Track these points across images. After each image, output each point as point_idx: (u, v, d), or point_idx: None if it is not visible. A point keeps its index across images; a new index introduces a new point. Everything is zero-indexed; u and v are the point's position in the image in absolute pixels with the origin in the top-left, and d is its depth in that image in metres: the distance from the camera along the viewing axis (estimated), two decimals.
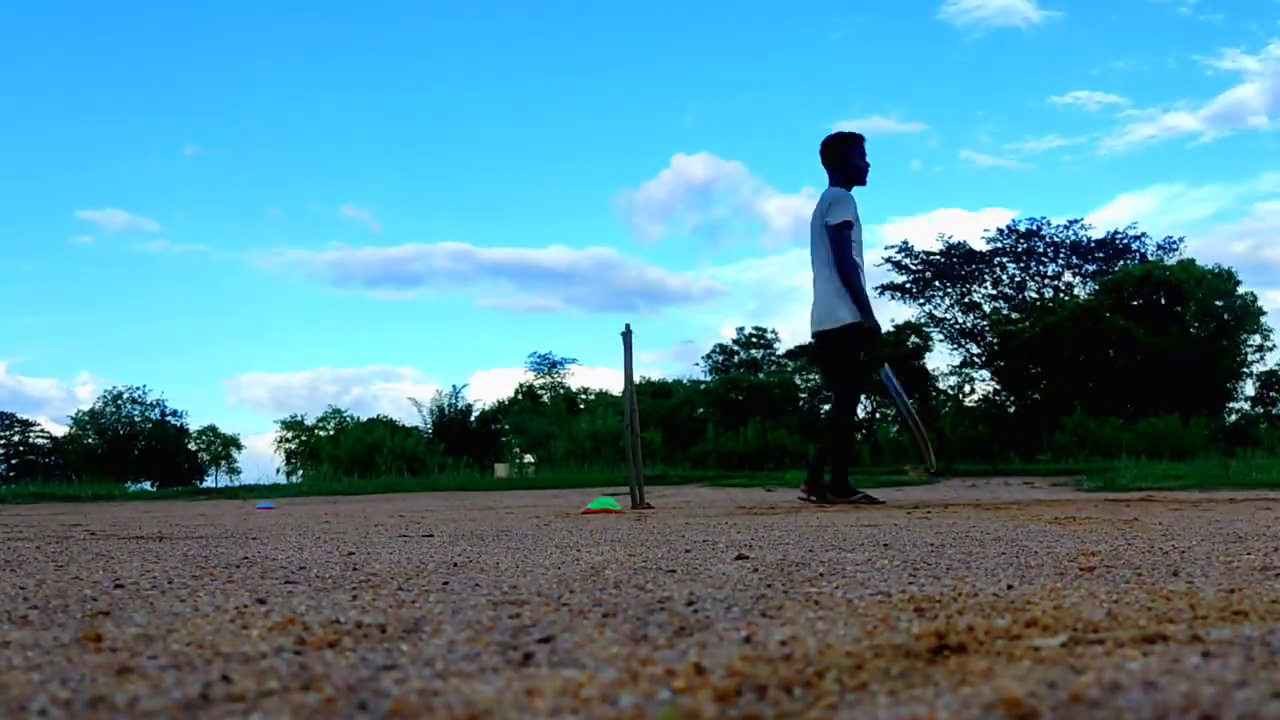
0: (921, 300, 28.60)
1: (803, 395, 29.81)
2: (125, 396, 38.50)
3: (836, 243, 5.06)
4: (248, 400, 55.17)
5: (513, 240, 53.42)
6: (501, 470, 19.65)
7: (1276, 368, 26.08)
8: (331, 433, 36.27)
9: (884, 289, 28.11)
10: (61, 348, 52.62)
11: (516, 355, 53.62)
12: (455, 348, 50.90)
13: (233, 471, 42.84)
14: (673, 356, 50.59)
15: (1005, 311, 28.25)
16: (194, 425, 41.34)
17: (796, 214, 44.33)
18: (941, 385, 28.56)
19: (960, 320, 28.71)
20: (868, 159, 5.34)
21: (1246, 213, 42.57)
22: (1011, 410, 26.62)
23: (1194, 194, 43.68)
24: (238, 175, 47.43)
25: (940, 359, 31.48)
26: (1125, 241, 28.53)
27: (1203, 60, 40.67)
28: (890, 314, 29.45)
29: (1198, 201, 43.19)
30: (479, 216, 50.27)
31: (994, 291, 29.11)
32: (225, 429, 44.92)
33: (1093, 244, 28.60)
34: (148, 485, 30.77)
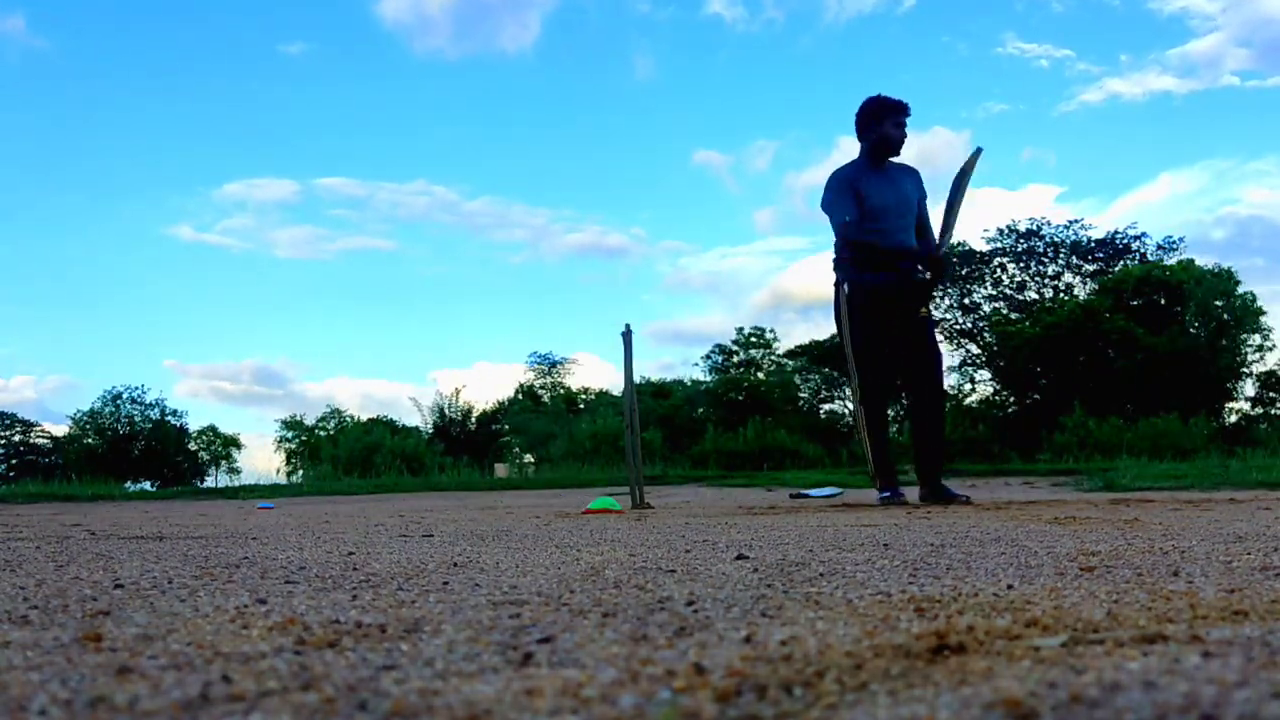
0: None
1: (802, 395, 29.81)
2: (125, 396, 38.49)
3: None
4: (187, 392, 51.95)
5: (398, 173, 44.31)
6: (501, 470, 19.66)
7: (1276, 368, 26.08)
8: (331, 433, 36.24)
9: None
10: None
11: (480, 348, 49.35)
12: (414, 338, 45.80)
13: (233, 471, 42.76)
14: (654, 340, 47.14)
15: (1005, 312, 28.25)
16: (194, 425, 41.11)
17: None
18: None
19: (960, 320, 28.70)
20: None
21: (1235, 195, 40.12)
22: (1011, 410, 26.62)
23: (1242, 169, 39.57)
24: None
25: None
26: (1125, 241, 28.55)
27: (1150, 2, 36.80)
28: None
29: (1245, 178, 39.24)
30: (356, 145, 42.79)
31: (994, 292, 29.10)
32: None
33: (1092, 244, 28.61)
34: (148, 485, 30.74)
